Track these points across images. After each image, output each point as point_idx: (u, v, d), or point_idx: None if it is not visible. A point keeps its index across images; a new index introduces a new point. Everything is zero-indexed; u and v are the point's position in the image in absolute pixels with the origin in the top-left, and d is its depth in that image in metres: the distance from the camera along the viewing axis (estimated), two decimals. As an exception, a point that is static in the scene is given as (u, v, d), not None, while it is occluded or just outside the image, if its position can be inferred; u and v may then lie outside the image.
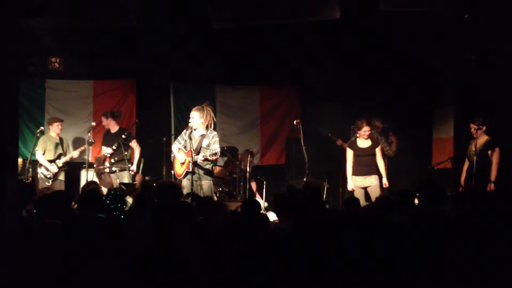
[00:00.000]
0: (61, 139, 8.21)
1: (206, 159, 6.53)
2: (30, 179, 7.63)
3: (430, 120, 9.20)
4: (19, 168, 7.34)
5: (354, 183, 7.34)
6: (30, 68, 8.87)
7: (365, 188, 7.31)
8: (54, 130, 8.11)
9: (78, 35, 8.15)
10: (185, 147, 6.75)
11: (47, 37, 7.96)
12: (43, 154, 8.00)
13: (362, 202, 6.81)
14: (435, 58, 8.30)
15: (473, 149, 6.92)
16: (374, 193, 7.09)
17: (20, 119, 8.19)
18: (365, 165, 7.35)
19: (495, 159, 6.85)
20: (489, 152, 6.89)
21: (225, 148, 8.41)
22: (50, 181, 7.90)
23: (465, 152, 7.17)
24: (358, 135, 7.45)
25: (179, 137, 6.89)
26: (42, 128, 8.19)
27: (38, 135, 8.04)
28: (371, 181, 7.29)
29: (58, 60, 8.99)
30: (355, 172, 7.38)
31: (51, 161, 7.98)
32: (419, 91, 8.78)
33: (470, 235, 3.33)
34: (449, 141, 8.61)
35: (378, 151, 7.46)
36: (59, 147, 8.10)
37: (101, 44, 8.72)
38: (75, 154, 8.18)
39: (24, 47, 7.99)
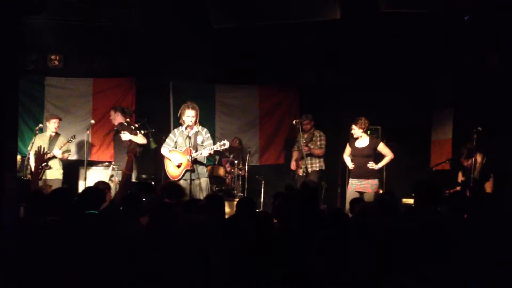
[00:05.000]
0: (56, 136, 7.94)
1: (214, 152, 6.60)
2: (29, 176, 7.59)
3: (429, 122, 9.21)
4: (18, 166, 7.30)
5: (351, 185, 6.89)
6: (30, 65, 8.86)
7: (361, 194, 6.72)
8: (50, 127, 7.91)
9: (77, 32, 8.13)
10: (175, 147, 6.75)
11: (47, 35, 7.90)
12: (30, 150, 7.69)
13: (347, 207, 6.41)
14: (434, 60, 8.32)
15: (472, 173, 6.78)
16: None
17: (19, 117, 8.15)
18: (359, 167, 6.87)
19: (489, 188, 6.73)
20: (486, 184, 6.76)
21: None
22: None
23: (462, 163, 7.11)
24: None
25: (167, 140, 6.81)
26: (41, 125, 8.10)
27: (37, 132, 7.99)
28: (365, 187, 6.76)
29: (57, 57, 8.97)
30: (352, 174, 6.96)
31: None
32: (418, 93, 8.80)
33: (469, 234, 3.34)
34: (448, 143, 8.63)
35: (381, 150, 6.89)
36: (48, 144, 7.78)
37: (100, 42, 8.71)
38: (55, 152, 7.73)
39: (24, 45, 7.98)
